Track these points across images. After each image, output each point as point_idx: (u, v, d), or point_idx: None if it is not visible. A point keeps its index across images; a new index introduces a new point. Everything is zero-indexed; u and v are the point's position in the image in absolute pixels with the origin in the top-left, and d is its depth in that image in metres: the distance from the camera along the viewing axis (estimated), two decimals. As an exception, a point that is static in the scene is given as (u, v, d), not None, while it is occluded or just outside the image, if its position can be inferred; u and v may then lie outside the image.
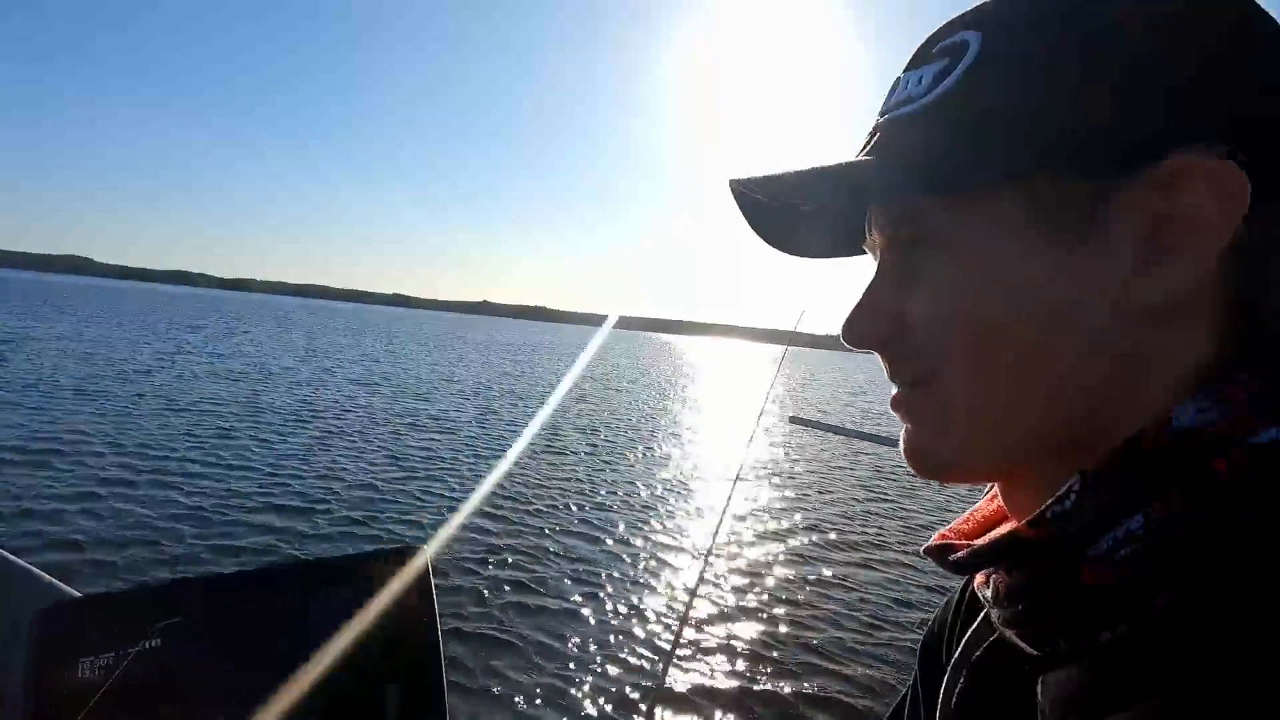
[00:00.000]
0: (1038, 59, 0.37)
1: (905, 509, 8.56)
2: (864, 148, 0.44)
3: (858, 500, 8.85)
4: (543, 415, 13.60)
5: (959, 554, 0.41)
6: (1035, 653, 0.37)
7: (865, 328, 0.43)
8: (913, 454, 0.43)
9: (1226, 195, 0.33)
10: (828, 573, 5.93)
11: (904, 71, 0.44)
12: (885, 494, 9.35)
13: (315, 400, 12.37)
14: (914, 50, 0.45)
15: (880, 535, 7.25)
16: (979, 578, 0.44)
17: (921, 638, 0.58)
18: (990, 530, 0.47)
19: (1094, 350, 0.36)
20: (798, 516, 7.70)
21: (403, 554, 0.58)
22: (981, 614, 0.46)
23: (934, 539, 0.47)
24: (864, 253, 0.50)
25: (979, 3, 0.42)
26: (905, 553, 6.62)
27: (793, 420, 15.54)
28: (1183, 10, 0.35)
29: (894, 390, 0.44)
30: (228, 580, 0.53)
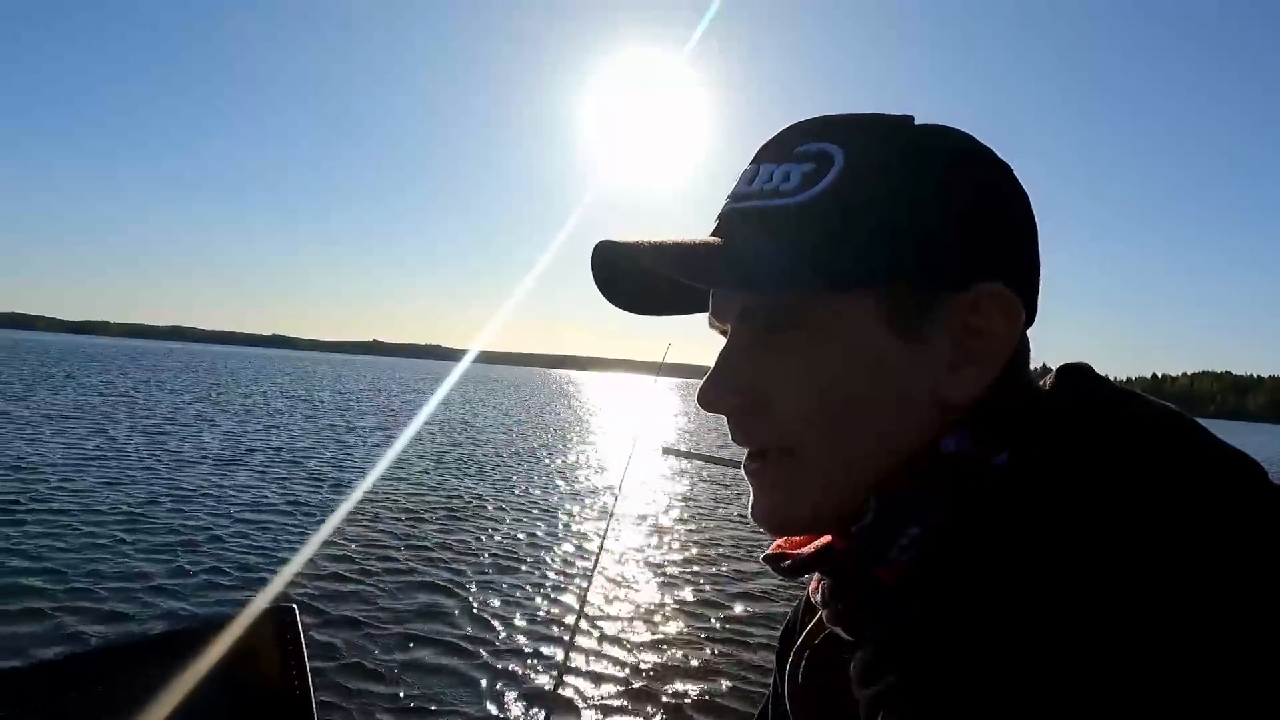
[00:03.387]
0: (890, 195, 0.45)
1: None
2: (721, 227, 0.49)
3: (727, 521, 9.26)
4: (415, 454, 13.34)
5: (787, 562, 0.49)
6: (851, 640, 0.46)
7: (721, 397, 0.48)
8: (767, 518, 0.48)
9: (1012, 317, 0.45)
10: (703, 590, 6.19)
11: (761, 163, 0.49)
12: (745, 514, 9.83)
13: (158, 453, 11.40)
14: (767, 142, 0.50)
15: (746, 552, 7.61)
16: (813, 583, 0.52)
17: (779, 639, 0.67)
18: (814, 541, 0.54)
19: (918, 422, 0.45)
20: (672, 541, 7.97)
21: (270, 614, 0.58)
22: (816, 615, 0.55)
23: (771, 548, 0.54)
24: (695, 312, 0.56)
25: (829, 116, 0.49)
26: (767, 570, 7.01)
27: (664, 451, 16.09)
28: (989, 182, 0.48)
29: (746, 456, 0.49)
30: (75, 661, 0.50)
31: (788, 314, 0.46)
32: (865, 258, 0.44)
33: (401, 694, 3.92)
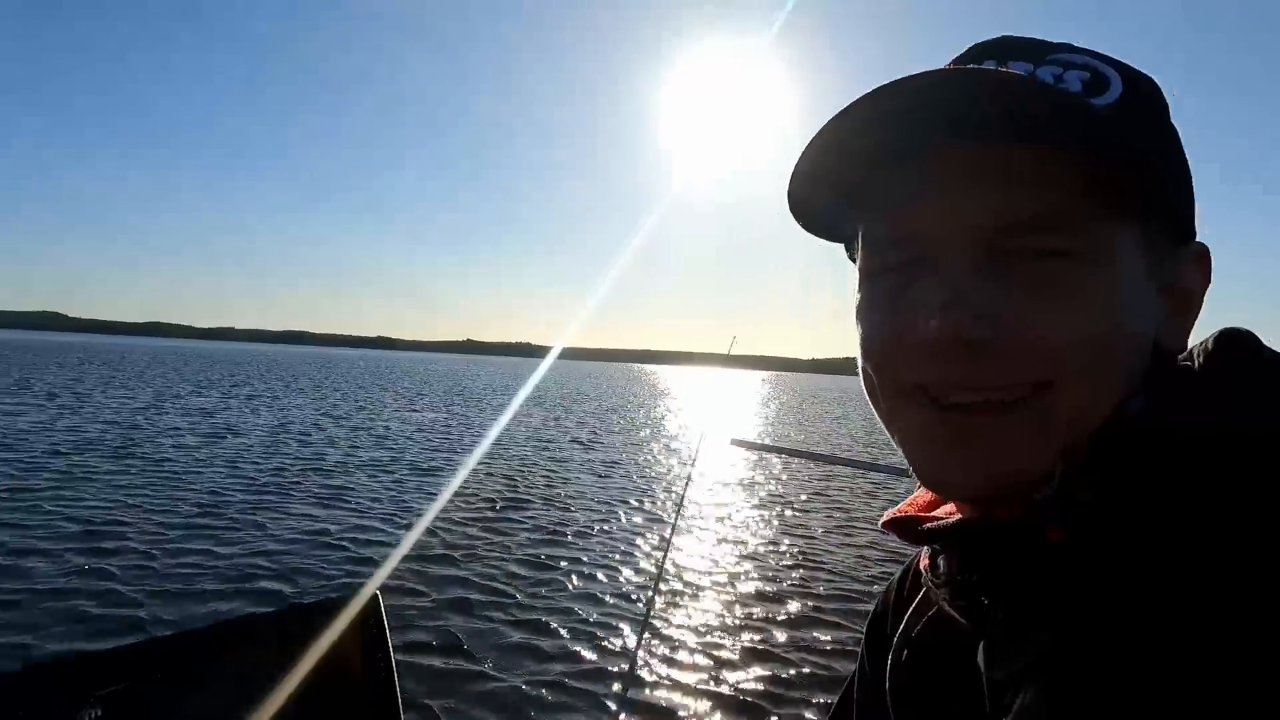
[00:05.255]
0: (1160, 132, 0.44)
1: (847, 519, 8.76)
2: (1004, 98, 0.38)
3: (801, 515, 8.97)
4: (500, 447, 13.71)
5: (934, 525, 0.45)
6: (968, 624, 0.42)
7: (969, 323, 0.38)
8: (992, 470, 0.40)
9: (1208, 280, 0.45)
10: (778, 580, 6.07)
11: (1009, 61, 0.43)
12: (827, 507, 9.56)
13: (260, 449, 11.94)
14: (987, 44, 0.45)
15: (825, 545, 7.40)
16: (924, 559, 0.49)
17: (866, 624, 0.62)
18: (935, 508, 0.50)
19: (1139, 374, 0.42)
20: (743, 533, 7.82)
21: (353, 601, 0.59)
22: (921, 593, 0.51)
23: (893, 513, 0.50)
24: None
25: (1057, 41, 0.45)
26: (849, 558, 6.85)
27: (733, 443, 16.24)
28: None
29: (962, 404, 0.40)
30: (173, 641, 0.52)
31: (1078, 240, 0.39)
32: (1146, 186, 0.40)
33: (480, 679, 3.97)
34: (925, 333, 0.40)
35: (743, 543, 7.38)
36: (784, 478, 12.08)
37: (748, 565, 6.55)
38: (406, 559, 5.91)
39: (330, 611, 0.58)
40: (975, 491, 0.42)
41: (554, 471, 11.21)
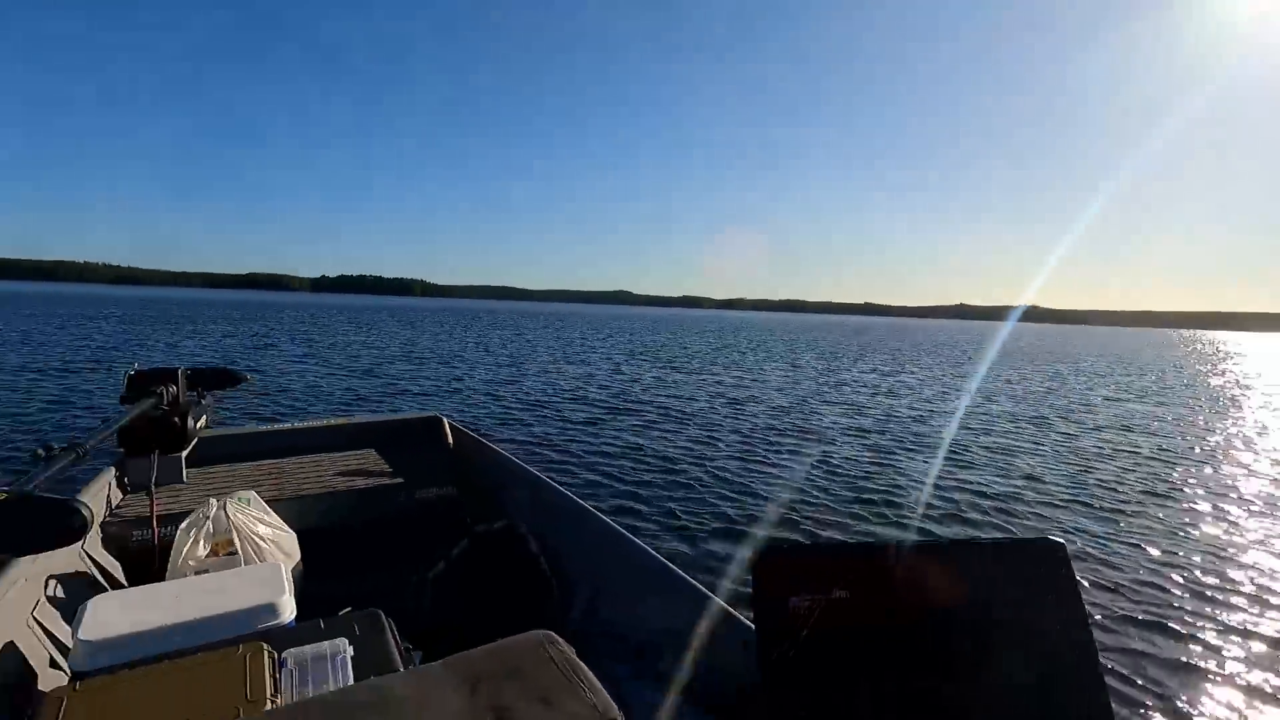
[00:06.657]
0: None
1: None
2: None
3: None
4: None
5: None
6: None
7: None
8: None
9: None
10: None
11: None
12: None
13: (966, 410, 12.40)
14: None
15: None
16: None
17: None
18: None
19: None
20: None
21: (1039, 546, 0.62)
22: None
23: None
24: None
25: None
26: None
27: None
28: None
29: None
30: (902, 549, 0.60)
31: None
32: None
33: (1161, 649, 3.37)
34: None
35: None
36: None
37: None
38: (1091, 514, 5.74)
39: (1022, 550, 0.64)
40: None
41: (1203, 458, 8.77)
